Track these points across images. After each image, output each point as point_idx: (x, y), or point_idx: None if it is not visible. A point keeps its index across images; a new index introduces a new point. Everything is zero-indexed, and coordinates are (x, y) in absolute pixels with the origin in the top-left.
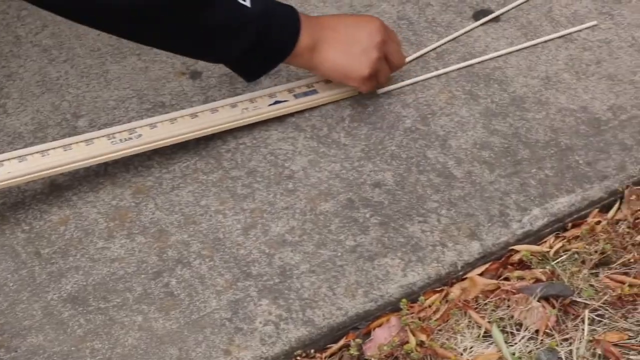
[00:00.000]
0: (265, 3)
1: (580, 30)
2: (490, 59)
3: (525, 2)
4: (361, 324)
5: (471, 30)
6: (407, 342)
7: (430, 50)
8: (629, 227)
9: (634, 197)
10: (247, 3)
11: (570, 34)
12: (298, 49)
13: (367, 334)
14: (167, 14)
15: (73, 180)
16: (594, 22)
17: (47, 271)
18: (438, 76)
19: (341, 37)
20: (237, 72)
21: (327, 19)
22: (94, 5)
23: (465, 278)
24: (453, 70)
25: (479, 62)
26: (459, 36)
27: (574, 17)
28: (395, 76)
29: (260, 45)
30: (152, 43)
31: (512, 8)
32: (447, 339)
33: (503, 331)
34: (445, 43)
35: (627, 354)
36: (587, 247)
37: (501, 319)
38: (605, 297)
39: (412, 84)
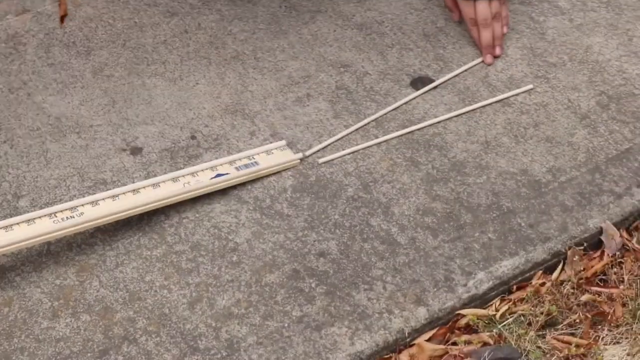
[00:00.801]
0: None
1: (517, 94)
2: (430, 125)
3: (464, 71)
4: None
5: (411, 99)
6: None
7: (371, 121)
8: (573, 288)
9: (576, 257)
10: None
11: (507, 98)
12: None
13: None
14: None
15: (15, 261)
16: (530, 86)
17: None
18: (379, 144)
19: None
20: None
21: None
22: None
23: (413, 344)
24: (393, 138)
25: (418, 129)
26: (400, 106)
27: (510, 81)
28: (336, 145)
29: None
30: None
31: (451, 77)
32: None
33: None
34: (386, 113)
35: None
36: (532, 309)
37: None
38: (553, 359)
39: (352, 152)
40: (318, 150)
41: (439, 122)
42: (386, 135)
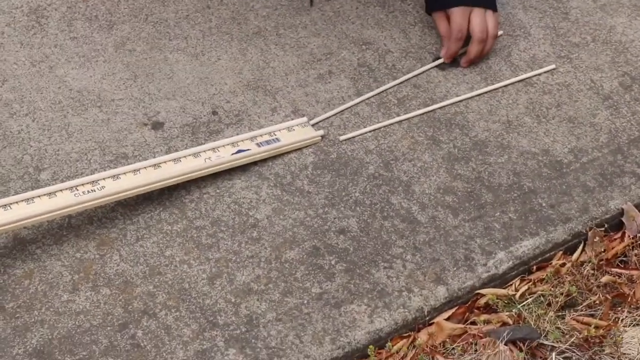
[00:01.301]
0: None
1: (539, 74)
2: (451, 104)
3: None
4: None
5: (428, 70)
6: None
7: (387, 89)
8: (593, 269)
9: (597, 238)
10: None
11: (529, 77)
12: None
13: None
14: None
15: (36, 234)
16: (553, 66)
17: (12, 326)
18: (400, 122)
19: None
20: None
21: None
22: None
23: (432, 323)
24: (415, 116)
25: (440, 108)
26: (417, 75)
27: (533, 61)
28: (357, 123)
29: None
30: None
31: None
32: None
33: None
34: (402, 82)
35: None
36: (552, 289)
37: None
38: (572, 339)
39: (373, 130)
40: (322, 120)
41: (460, 101)
42: (408, 114)
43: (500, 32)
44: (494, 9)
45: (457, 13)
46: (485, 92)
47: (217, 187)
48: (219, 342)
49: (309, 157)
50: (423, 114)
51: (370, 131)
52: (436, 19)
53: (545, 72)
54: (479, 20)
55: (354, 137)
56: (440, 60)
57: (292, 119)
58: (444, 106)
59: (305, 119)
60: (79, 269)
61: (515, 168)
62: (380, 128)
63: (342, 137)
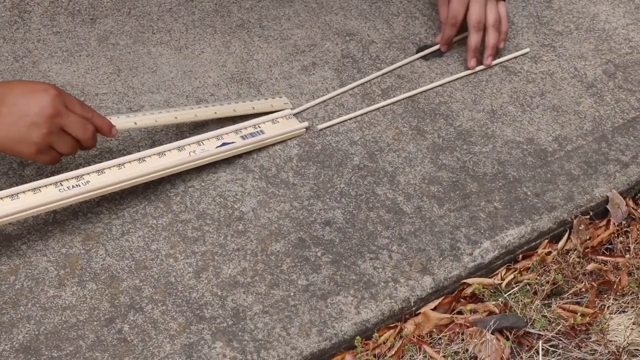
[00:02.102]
0: None
1: (514, 58)
2: (431, 88)
3: (464, 37)
4: None
5: (413, 62)
6: None
7: (372, 79)
8: (579, 257)
9: (582, 226)
10: None
11: (507, 61)
12: None
13: None
14: None
15: (22, 229)
16: (527, 49)
17: None
18: (384, 113)
19: (7, 110)
20: None
21: None
22: None
23: (419, 313)
24: (395, 102)
25: (421, 93)
26: (401, 66)
27: (517, 49)
28: (342, 114)
29: None
30: None
31: (455, 41)
32: None
33: None
34: (387, 72)
35: None
36: (538, 277)
37: (456, 352)
38: (559, 328)
39: (353, 117)
40: (305, 110)
41: (442, 89)
42: (389, 99)
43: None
44: None
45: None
46: (464, 77)
47: (202, 181)
48: (206, 335)
49: (294, 149)
50: (405, 98)
51: (350, 119)
52: (440, 4)
53: (520, 56)
54: (477, 8)
55: (332, 125)
56: (428, 51)
57: (277, 111)
58: (425, 91)
59: (289, 110)
60: (64, 264)
61: (500, 157)
62: (361, 116)
63: (319, 126)
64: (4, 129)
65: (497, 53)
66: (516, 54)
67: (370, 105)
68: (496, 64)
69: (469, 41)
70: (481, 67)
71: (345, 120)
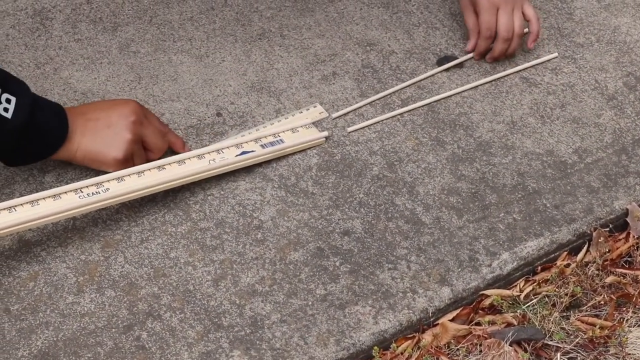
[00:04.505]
0: (29, 112)
1: (541, 63)
2: (451, 95)
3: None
4: None
5: (434, 74)
6: None
7: (394, 92)
8: (598, 269)
9: (602, 239)
10: (9, 115)
11: (532, 66)
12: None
13: None
14: None
15: (41, 236)
16: (555, 54)
17: (17, 328)
18: (404, 124)
19: (93, 124)
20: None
21: (83, 108)
22: None
23: (437, 324)
24: (416, 108)
25: (441, 105)
26: (423, 79)
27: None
28: (359, 120)
29: (21, 149)
30: None
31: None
32: None
33: None
34: (408, 86)
35: None
36: (557, 290)
37: None
38: (577, 340)
39: (379, 122)
40: (343, 115)
41: (462, 100)
42: (408, 106)
43: (525, 30)
44: None
45: (485, 9)
46: (485, 84)
47: (221, 189)
48: (224, 344)
49: (313, 158)
50: (426, 105)
51: (372, 123)
52: (464, 10)
53: (547, 61)
54: (506, 19)
55: (361, 128)
56: (450, 64)
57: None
58: (446, 97)
59: (309, 120)
60: (83, 270)
61: (519, 169)
62: (386, 124)
63: (349, 129)
64: (92, 140)
65: (527, 53)
66: (544, 58)
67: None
68: (522, 69)
69: (495, 50)
70: (498, 74)
71: (375, 123)
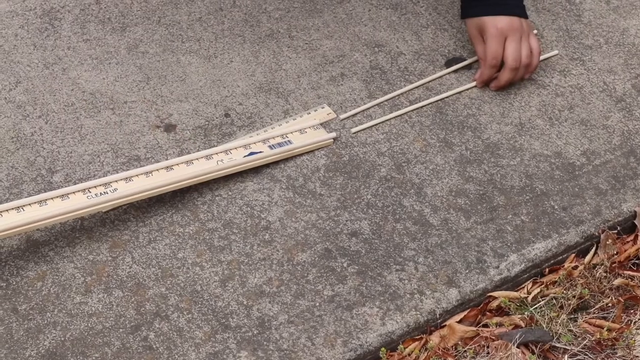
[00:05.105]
0: None
1: (544, 60)
2: (456, 93)
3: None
4: None
5: (443, 76)
6: None
7: (402, 93)
8: (605, 272)
9: (610, 241)
10: None
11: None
12: None
13: None
14: None
15: (49, 236)
16: (556, 52)
17: (25, 327)
18: (412, 125)
19: None
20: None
21: None
22: None
23: (444, 325)
24: (426, 106)
25: (449, 107)
26: (431, 81)
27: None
28: (367, 121)
29: None
30: None
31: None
32: None
33: None
34: (416, 87)
35: None
36: (565, 292)
37: None
38: (585, 342)
39: (384, 121)
40: (351, 116)
41: (471, 102)
42: (416, 104)
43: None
44: (524, 16)
45: (492, 37)
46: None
47: (229, 190)
48: (231, 345)
49: (321, 159)
50: (433, 102)
51: (382, 122)
52: (474, 39)
53: (548, 58)
54: (513, 49)
55: (365, 129)
56: (458, 66)
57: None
58: (449, 96)
59: (317, 121)
60: (91, 271)
61: (527, 170)
62: (393, 125)
63: (353, 130)
64: None
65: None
66: (546, 55)
67: (397, 116)
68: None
69: (501, 79)
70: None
71: (379, 123)
